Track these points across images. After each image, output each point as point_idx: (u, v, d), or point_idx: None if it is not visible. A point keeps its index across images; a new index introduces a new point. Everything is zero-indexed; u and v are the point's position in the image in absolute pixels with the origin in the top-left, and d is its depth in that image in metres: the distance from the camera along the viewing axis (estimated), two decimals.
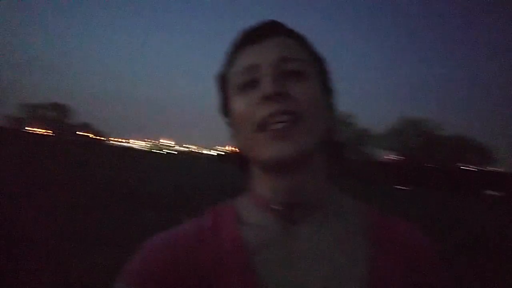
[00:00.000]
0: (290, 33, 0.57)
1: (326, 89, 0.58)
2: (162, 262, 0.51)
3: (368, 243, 0.54)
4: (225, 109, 0.59)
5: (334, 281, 0.50)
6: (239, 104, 0.53)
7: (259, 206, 0.56)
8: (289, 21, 0.58)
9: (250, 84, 0.53)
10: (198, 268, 0.51)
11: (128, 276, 0.50)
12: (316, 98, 0.53)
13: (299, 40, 0.57)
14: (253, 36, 0.55)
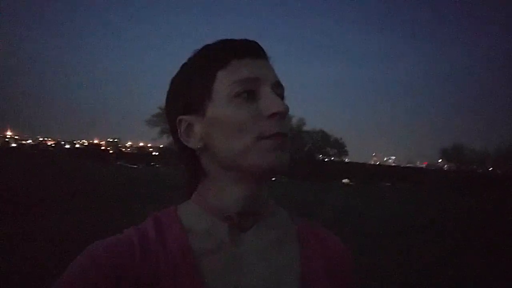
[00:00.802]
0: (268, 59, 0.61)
1: None
2: (103, 271, 0.50)
3: (299, 247, 0.61)
4: (194, 107, 0.57)
5: (274, 283, 0.55)
6: (238, 112, 0.54)
7: (209, 213, 0.58)
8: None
9: (246, 95, 0.55)
10: (143, 276, 0.51)
11: (66, 286, 0.49)
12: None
13: None
14: (253, 50, 0.57)
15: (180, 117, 0.58)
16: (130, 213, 8.27)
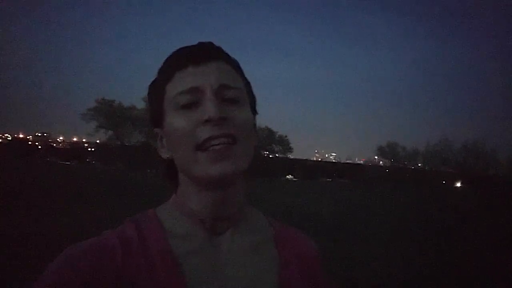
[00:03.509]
0: (226, 58, 0.61)
1: (253, 112, 0.64)
2: (83, 273, 0.49)
3: (275, 249, 0.63)
4: (158, 121, 0.61)
5: (253, 285, 0.57)
6: (179, 122, 0.56)
7: (187, 217, 0.59)
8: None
9: (191, 105, 0.56)
10: (124, 279, 0.51)
11: None
12: (248, 121, 0.58)
13: (234, 65, 0.62)
14: (195, 57, 0.58)
15: (155, 129, 0.63)
16: (61, 213, 7.36)
